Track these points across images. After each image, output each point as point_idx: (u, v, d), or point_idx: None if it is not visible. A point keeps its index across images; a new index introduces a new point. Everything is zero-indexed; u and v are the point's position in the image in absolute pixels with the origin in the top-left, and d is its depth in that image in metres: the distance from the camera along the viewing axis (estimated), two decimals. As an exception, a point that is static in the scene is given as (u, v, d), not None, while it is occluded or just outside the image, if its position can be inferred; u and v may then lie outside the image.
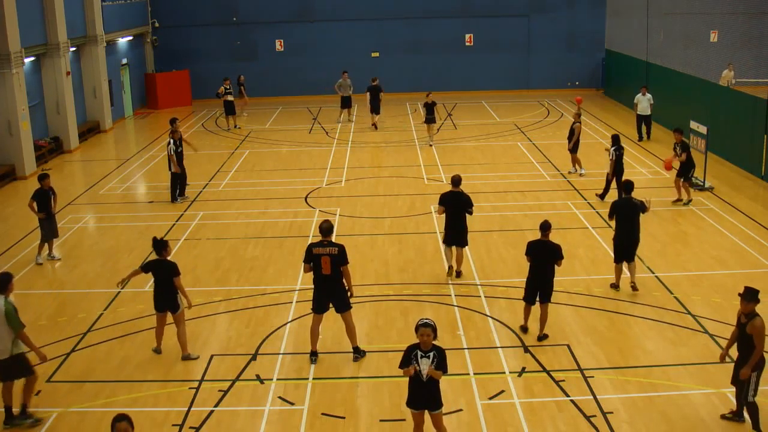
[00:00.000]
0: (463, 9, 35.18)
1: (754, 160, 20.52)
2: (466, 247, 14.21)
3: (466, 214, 13.79)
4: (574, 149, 20.71)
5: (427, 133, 25.49)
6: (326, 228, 10.92)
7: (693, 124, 20.04)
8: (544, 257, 11.53)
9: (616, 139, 18.37)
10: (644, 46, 28.61)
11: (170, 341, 11.96)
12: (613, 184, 17.80)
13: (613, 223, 13.73)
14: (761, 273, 14.05)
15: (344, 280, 10.96)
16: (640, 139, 25.07)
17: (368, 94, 27.79)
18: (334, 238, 11.11)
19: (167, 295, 11.22)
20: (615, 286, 13.45)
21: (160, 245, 11.28)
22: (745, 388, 9.01)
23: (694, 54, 25.48)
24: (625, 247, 13.19)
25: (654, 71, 27.70)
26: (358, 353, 11.27)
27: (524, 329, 11.92)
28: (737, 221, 16.89)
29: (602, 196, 18.51)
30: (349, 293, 11.10)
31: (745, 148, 21.03)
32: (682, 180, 18.19)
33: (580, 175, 20.76)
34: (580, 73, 35.81)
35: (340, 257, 10.77)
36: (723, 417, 9.49)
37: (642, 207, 13.24)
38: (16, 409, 9.85)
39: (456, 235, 13.78)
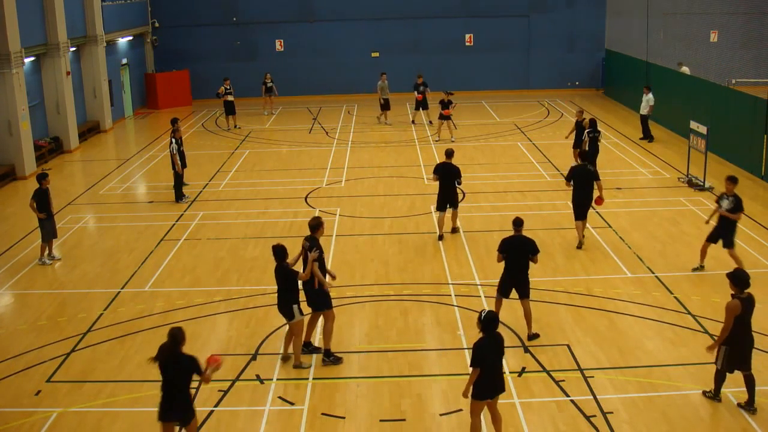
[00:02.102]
0: (463, 9, 35.18)
1: (754, 160, 20.52)
2: (457, 209, 16.21)
3: (456, 184, 15.78)
4: (577, 145, 20.86)
5: (440, 130, 25.65)
6: (312, 225, 11.12)
7: (693, 124, 20.04)
8: (519, 253, 11.58)
9: (592, 123, 19.92)
10: (644, 46, 28.62)
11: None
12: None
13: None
14: (761, 273, 14.04)
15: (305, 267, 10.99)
16: (644, 138, 25.10)
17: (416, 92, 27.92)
18: (334, 237, 11.17)
19: (283, 302, 10.83)
20: (580, 245, 15.33)
21: (281, 252, 10.82)
22: (716, 357, 9.65)
23: (694, 54, 25.49)
24: (581, 206, 15.20)
25: (654, 71, 27.71)
26: (328, 357, 11.07)
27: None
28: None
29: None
30: (323, 288, 11.02)
31: (745, 148, 21.03)
32: (727, 248, 13.90)
33: None
34: (580, 73, 35.81)
35: (309, 249, 10.96)
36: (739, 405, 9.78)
37: (595, 175, 15.27)
38: None
39: (447, 201, 15.85)
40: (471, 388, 8.63)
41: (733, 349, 9.50)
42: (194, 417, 8.50)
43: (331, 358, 11.11)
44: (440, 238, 15.93)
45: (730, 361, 9.57)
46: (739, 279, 9.57)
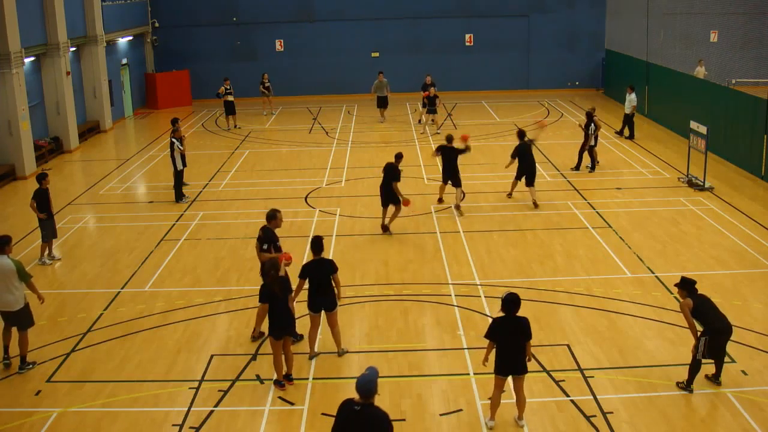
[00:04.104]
0: (463, 9, 35.19)
1: (754, 160, 20.52)
2: (460, 187, 17.97)
3: (457, 162, 17.73)
4: (594, 143, 21.40)
5: (431, 123, 27.25)
6: (268, 215, 11.90)
7: (693, 124, 20.03)
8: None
9: (589, 116, 21.42)
10: (644, 46, 28.62)
11: (170, 341, 11.98)
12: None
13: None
14: (761, 273, 14.06)
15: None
16: (618, 133, 25.43)
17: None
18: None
19: (330, 294, 10.96)
20: (509, 195, 18.89)
21: (321, 245, 11.03)
22: (696, 348, 10.00)
23: (694, 54, 25.50)
24: (525, 174, 18.12)
25: (654, 71, 27.70)
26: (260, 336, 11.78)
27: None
28: (737, 221, 16.89)
29: (577, 167, 21.55)
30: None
31: (745, 148, 21.03)
32: None
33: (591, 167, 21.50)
34: (580, 73, 35.82)
35: (262, 238, 11.77)
36: (678, 384, 10.29)
37: (531, 143, 18.37)
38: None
39: (450, 176, 17.89)
40: (487, 359, 9.40)
41: (713, 338, 9.91)
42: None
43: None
44: (439, 201, 18.62)
45: (709, 349, 9.97)
46: (684, 283, 10.18)
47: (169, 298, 13.59)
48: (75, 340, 12.10)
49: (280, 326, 10.24)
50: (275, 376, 10.53)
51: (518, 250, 15.43)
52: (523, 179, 18.28)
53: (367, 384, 6.92)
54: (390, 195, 16.45)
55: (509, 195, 18.91)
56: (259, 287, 10.58)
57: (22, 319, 11.15)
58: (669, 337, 11.67)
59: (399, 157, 17.13)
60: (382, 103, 29.24)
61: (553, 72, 35.61)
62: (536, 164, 18.48)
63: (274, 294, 10.11)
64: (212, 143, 26.63)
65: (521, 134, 18.69)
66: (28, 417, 9.99)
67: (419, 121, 28.88)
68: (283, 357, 10.45)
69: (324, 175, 21.70)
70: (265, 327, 10.64)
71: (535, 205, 18.09)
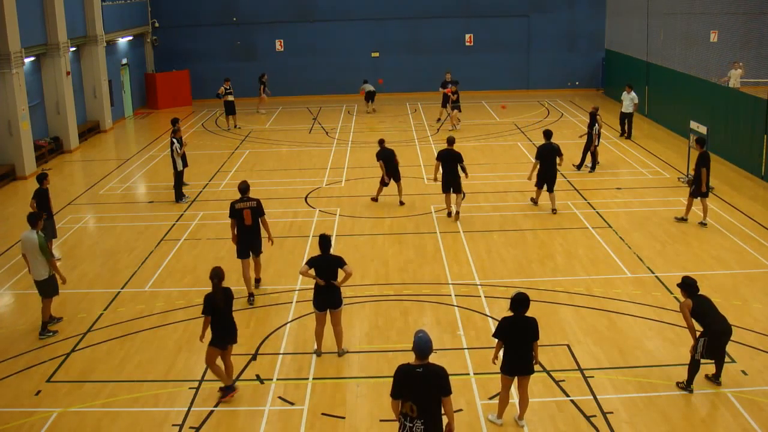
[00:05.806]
0: (463, 9, 35.19)
1: (754, 160, 20.52)
2: (462, 194, 17.38)
3: (459, 168, 17.03)
4: (597, 142, 21.53)
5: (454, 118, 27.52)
6: (244, 188, 12.95)
7: (693, 124, 20.03)
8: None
9: (592, 115, 21.32)
10: (644, 46, 28.61)
11: (170, 341, 11.98)
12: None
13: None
14: (761, 273, 14.06)
15: (264, 229, 13.16)
16: (622, 134, 25.47)
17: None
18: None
19: (337, 291, 11.02)
20: (534, 202, 18.26)
21: (329, 242, 11.08)
22: (694, 348, 10.02)
23: (694, 54, 25.49)
24: (546, 179, 17.58)
25: (654, 71, 27.70)
26: (252, 297, 13.12)
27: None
28: (737, 221, 16.89)
29: (579, 166, 21.61)
30: (269, 242, 13.37)
31: (745, 148, 21.03)
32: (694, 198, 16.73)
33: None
34: (580, 73, 35.82)
35: (258, 208, 12.91)
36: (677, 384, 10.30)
37: (558, 151, 17.59)
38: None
39: (451, 184, 17.11)
40: (497, 357, 9.42)
41: (712, 339, 9.94)
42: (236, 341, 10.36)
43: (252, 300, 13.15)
44: (449, 215, 17.45)
45: (708, 350, 9.99)
46: (685, 285, 10.21)
47: (169, 298, 13.59)
48: (75, 340, 12.11)
49: (223, 336, 10.09)
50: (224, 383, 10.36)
51: (518, 250, 15.43)
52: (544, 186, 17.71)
53: (425, 344, 7.56)
54: (395, 173, 18.40)
55: (535, 202, 18.21)
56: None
57: (46, 287, 12.18)
58: (669, 337, 11.67)
59: (381, 142, 18.94)
60: (371, 96, 30.77)
61: (553, 72, 35.62)
62: (557, 169, 17.73)
63: (217, 305, 9.93)
64: (212, 143, 26.63)
65: (548, 134, 17.93)
66: (28, 417, 10.00)
67: (439, 120, 28.99)
68: (222, 367, 10.29)
69: (324, 175, 21.70)
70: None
71: (554, 212, 17.51)
